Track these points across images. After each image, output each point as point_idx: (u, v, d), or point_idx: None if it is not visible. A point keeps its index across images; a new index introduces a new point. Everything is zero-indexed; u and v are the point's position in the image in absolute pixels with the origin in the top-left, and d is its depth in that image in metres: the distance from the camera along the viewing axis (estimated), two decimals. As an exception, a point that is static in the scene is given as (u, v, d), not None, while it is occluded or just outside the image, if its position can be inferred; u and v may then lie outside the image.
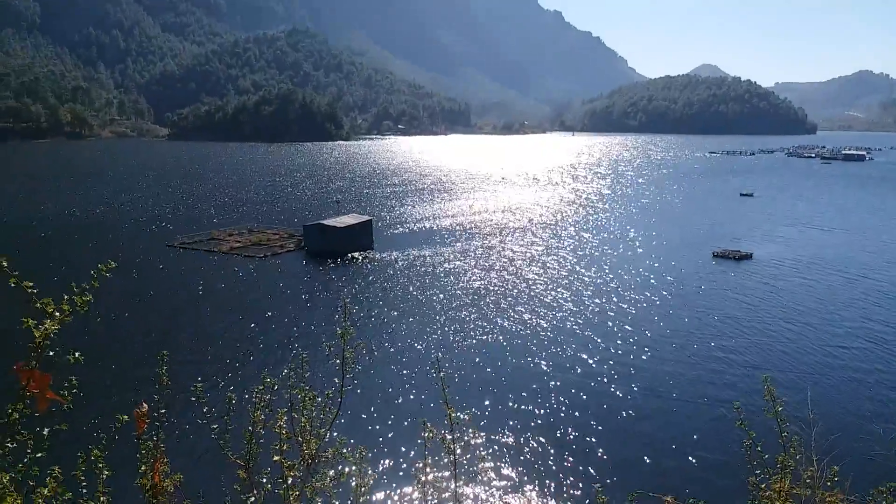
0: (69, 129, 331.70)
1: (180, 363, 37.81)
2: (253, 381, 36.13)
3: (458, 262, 69.11)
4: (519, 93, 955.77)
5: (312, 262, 68.93)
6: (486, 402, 34.11)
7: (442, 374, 5.53)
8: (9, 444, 3.87)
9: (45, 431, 3.98)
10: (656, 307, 52.57)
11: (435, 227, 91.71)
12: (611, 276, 63.45)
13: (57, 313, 3.73)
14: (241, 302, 53.49)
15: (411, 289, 58.15)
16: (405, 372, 38.69)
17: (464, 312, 51.15)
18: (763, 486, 5.04)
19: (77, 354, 3.85)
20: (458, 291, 57.33)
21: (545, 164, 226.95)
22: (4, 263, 3.75)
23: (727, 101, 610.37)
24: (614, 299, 54.83)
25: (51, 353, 3.75)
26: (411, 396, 35.36)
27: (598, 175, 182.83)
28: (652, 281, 61.23)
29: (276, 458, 4.86)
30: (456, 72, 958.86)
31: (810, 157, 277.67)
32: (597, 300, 54.61)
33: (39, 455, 3.99)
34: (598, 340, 44.52)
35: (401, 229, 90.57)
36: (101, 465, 4.51)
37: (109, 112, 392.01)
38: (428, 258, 71.21)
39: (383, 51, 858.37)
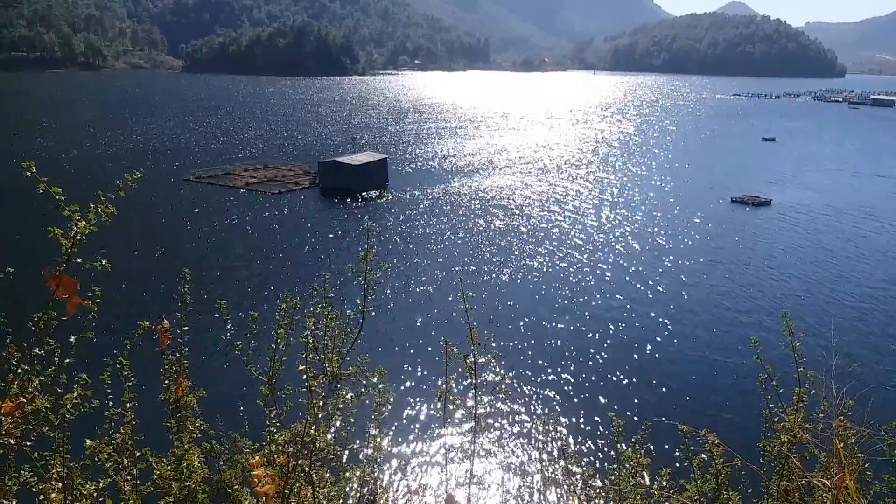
0: (83, 59, 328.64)
1: (200, 287, 38.55)
2: (272, 303, 37.04)
3: (475, 202, 68.91)
4: (540, 28, 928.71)
5: (326, 199, 69.07)
6: (508, 332, 34.66)
7: (465, 294, 5.70)
8: (37, 351, 3.99)
9: (73, 338, 4.06)
10: (674, 250, 52.44)
11: (452, 167, 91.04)
12: (629, 216, 63.14)
13: (83, 221, 3.82)
14: (256, 234, 54.14)
15: (427, 225, 58.43)
16: (423, 300, 39.52)
17: (482, 248, 51.61)
18: (776, 419, 5.14)
19: (104, 262, 3.92)
20: (475, 228, 57.53)
21: (565, 102, 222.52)
22: (34, 169, 3.92)
23: (754, 41, 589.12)
24: (632, 241, 54.76)
25: (79, 261, 3.83)
26: (432, 321, 36.38)
27: (619, 116, 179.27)
28: (670, 224, 60.90)
29: (301, 367, 4.86)
30: (476, 5, 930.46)
31: (838, 101, 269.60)
32: (615, 241, 54.60)
33: (68, 361, 4.10)
34: (616, 280, 44.82)
35: (417, 168, 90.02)
36: (126, 374, 4.61)
37: (123, 42, 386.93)
38: (444, 197, 71.04)
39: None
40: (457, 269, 46.44)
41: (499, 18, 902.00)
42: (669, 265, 48.67)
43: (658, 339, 35.49)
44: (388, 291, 40.70)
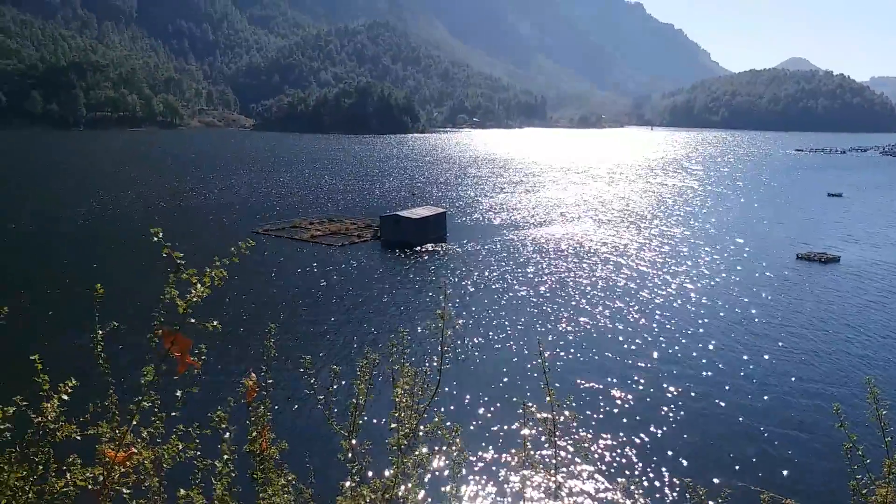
0: (161, 119, 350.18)
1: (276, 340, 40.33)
2: (339, 354, 38.32)
3: (535, 255, 69.53)
4: (597, 85, 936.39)
5: (387, 252, 70.92)
6: (579, 388, 34.68)
7: (543, 356, 5.75)
8: (145, 403, 4.25)
9: (179, 393, 4.29)
10: (739, 307, 51.54)
11: (510, 220, 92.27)
12: (693, 272, 62.43)
13: (199, 285, 4.04)
14: (321, 286, 56.04)
15: (488, 279, 59.14)
16: (489, 353, 39.86)
17: (544, 303, 51.79)
18: (864, 491, 4.86)
19: (216, 323, 4.16)
20: (537, 283, 57.90)
21: (624, 157, 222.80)
22: (160, 234, 4.13)
23: (817, 96, 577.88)
24: (696, 297, 54.07)
25: (192, 321, 4.07)
26: (504, 380, 36.36)
27: (680, 171, 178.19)
28: (734, 280, 59.94)
29: (392, 425, 5.00)
30: (533, 63, 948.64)
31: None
32: (679, 297, 53.99)
33: (174, 414, 4.40)
34: (682, 336, 44.19)
35: (476, 221, 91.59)
36: (224, 426, 4.82)
37: (198, 102, 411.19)
38: (503, 250, 71.91)
39: (461, 43, 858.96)
40: (519, 321, 46.89)
41: (555, 76, 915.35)
42: (737, 324, 47.77)
43: (731, 399, 34.68)
44: (458, 344, 41.38)
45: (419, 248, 71.21)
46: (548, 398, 5.11)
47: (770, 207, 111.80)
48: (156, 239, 4.14)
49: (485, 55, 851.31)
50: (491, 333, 44.48)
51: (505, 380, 36.55)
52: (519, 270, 62.83)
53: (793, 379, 37.67)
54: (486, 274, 61.38)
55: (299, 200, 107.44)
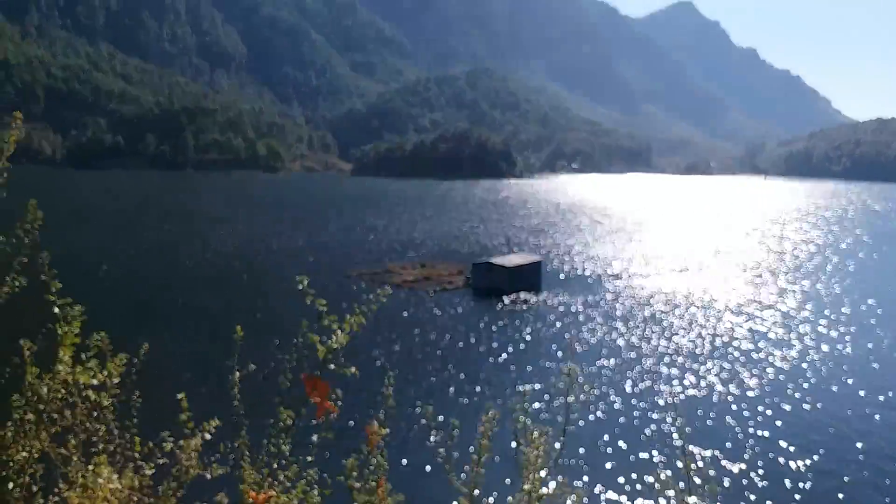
0: (264, 162, 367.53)
1: (369, 384, 37.22)
2: (453, 410, 34.85)
3: (637, 309, 63.59)
4: (706, 132, 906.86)
5: (479, 300, 67.34)
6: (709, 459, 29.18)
7: (678, 421, 5.70)
8: (283, 447, 4.42)
9: (314, 437, 4.43)
10: (872, 384, 43.64)
11: (609, 271, 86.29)
12: (814, 336, 54.50)
13: (339, 331, 4.22)
14: (415, 333, 53.63)
15: (585, 333, 54.35)
16: (604, 417, 34.93)
17: (648, 360, 46.53)
18: None
19: (353, 369, 4.26)
20: (641, 340, 52.40)
21: (735, 206, 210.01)
22: (305, 282, 4.36)
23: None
24: (811, 366, 46.53)
25: (331, 367, 4.20)
26: (621, 444, 32.84)
27: (801, 223, 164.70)
28: (861, 349, 51.64)
29: (525, 486, 4.88)
30: (638, 108, 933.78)
31: None
32: (790, 364, 46.80)
33: (310, 458, 4.51)
34: (811, 408, 37.67)
35: (572, 271, 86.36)
36: (354, 475, 4.84)
37: (300, 147, 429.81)
38: (601, 302, 66.51)
39: (561, 87, 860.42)
40: (626, 379, 41.61)
41: (661, 121, 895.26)
42: (870, 399, 40.16)
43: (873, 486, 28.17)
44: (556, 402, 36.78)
45: (512, 296, 67.09)
46: (684, 470, 4.78)
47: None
48: (301, 287, 4.35)
49: (587, 100, 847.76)
50: (599, 392, 39.69)
51: (622, 444, 32.65)
52: (620, 325, 57.25)
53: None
54: (582, 328, 56.28)
55: (392, 244, 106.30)
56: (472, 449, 5.19)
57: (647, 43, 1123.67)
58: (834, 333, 57.37)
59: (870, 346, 53.82)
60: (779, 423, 37.02)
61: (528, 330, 55.87)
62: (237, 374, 4.78)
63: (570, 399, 5.40)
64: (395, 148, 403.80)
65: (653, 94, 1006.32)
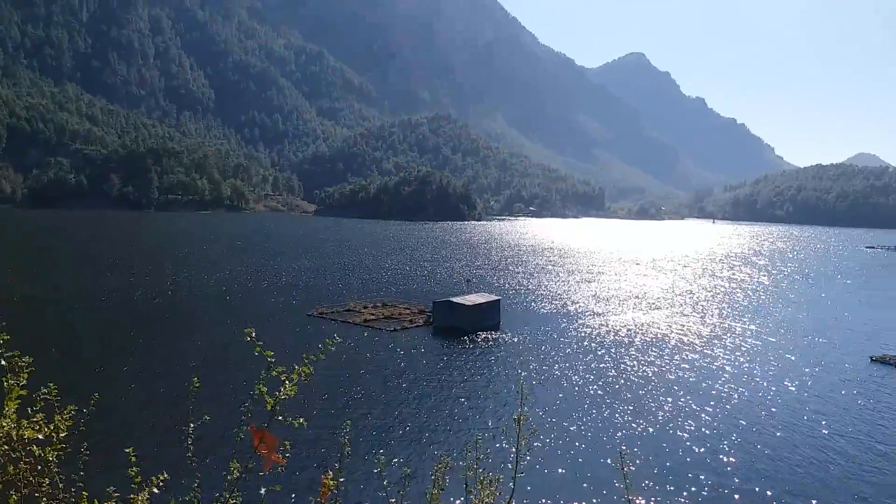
0: (228, 203, 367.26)
1: (327, 424, 39.29)
2: (406, 456, 36.76)
3: (593, 346, 67.17)
4: (657, 178, 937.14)
5: (439, 338, 69.84)
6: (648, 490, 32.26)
7: (625, 469, 5.64)
8: (232, 501, 4.35)
9: (262, 491, 4.39)
10: (805, 410, 47.81)
11: (566, 310, 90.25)
12: (760, 370, 58.77)
13: (288, 383, 4.15)
14: (375, 373, 55.20)
15: (543, 370, 57.17)
16: (559, 456, 37.57)
17: (606, 398, 49.45)
18: None
19: (301, 420, 4.27)
20: (597, 376, 55.58)
21: (685, 250, 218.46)
22: (253, 335, 4.34)
23: (888, 192, 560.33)
24: (761, 396, 50.56)
25: (279, 418, 4.12)
26: (574, 484, 34.21)
27: (747, 265, 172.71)
28: (803, 381, 55.96)
29: None
30: (593, 155, 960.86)
31: None
32: (741, 396, 50.65)
33: None
34: (751, 438, 41.06)
35: (530, 310, 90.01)
36: None
37: (265, 188, 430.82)
38: (559, 340, 69.90)
39: (520, 134, 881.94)
40: (581, 417, 44.59)
41: (614, 168, 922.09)
42: (806, 428, 44.16)
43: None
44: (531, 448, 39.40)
45: (472, 335, 69.96)
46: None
47: (842, 306, 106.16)
48: (248, 339, 4.30)
49: (545, 147, 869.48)
50: (555, 432, 42.18)
51: (577, 485, 34.33)
52: (577, 362, 60.58)
53: (867, 493, 33.96)
54: (540, 365, 59.38)
55: (355, 283, 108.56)
56: (426, 496, 5.24)
57: (602, 92, 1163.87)
58: (779, 367, 61.92)
59: (808, 382, 58.37)
60: (731, 457, 40.34)
61: (489, 368, 58.48)
62: (191, 426, 4.65)
63: (522, 444, 5.50)
64: (358, 189, 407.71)
65: (607, 142, 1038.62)
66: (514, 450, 5.22)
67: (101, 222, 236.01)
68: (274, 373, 4.06)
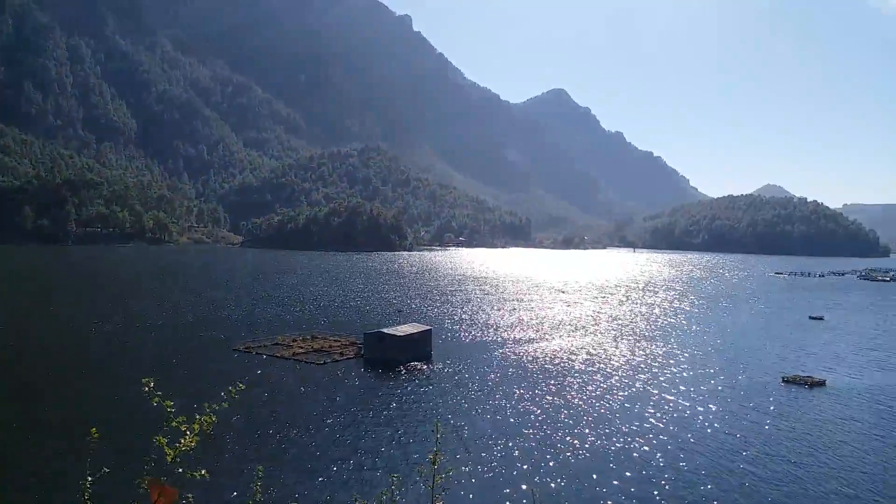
0: (151, 235, 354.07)
1: (247, 458, 38.52)
2: (328, 496, 36.24)
3: (520, 373, 68.60)
4: (580, 208, 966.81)
5: (370, 371, 69.64)
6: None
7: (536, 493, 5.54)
8: None
9: None
10: (724, 433, 50.47)
11: (496, 338, 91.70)
12: (680, 394, 61.49)
13: (189, 434, 3.98)
14: (302, 409, 54.44)
15: (473, 400, 57.84)
16: (483, 490, 38.02)
17: (532, 426, 50.48)
18: None
19: (204, 472, 4.10)
20: (523, 403, 56.70)
21: (608, 277, 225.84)
22: (151, 385, 4.19)
23: (793, 221, 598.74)
24: (684, 419, 52.98)
25: (180, 470, 3.97)
26: None
27: (665, 291, 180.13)
28: (721, 403, 59.04)
29: None
30: (519, 186, 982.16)
31: (884, 280, 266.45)
32: (667, 418, 52.89)
33: None
34: (667, 461, 42.87)
35: (461, 339, 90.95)
36: None
37: (188, 219, 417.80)
38: (489, 369, 70.94)
39: (449, 166, 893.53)
40: (507, 445, 45.42)
41: (540, 199, 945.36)
42: (725, 450, 46.62)
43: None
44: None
45: (403, 366, 70.08)
46: None
47: (754, 329, 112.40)
48: (146, 389, 4.14)
49: (473, 179, 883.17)
50: (480, 464, 42.74)
51: None
52: (505, 390, 61.68)
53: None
54: (472, 395, 60.13)
55: (283, 317, 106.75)
56: None
57: (527, 126, 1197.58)
58: (698, 389, 64.90)
59: (726, 404, 61.47)
60: (652, 481, 41.89)
61: (419, 401, 58.66)
62: (88, 479, 4.42)
63: (437, 483, 5.58)
64: (287, 220, 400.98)
65: (532, 174, 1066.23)
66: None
67: (10, 257, 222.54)
68: (174, 424, 3.86)
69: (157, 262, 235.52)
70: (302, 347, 79.19)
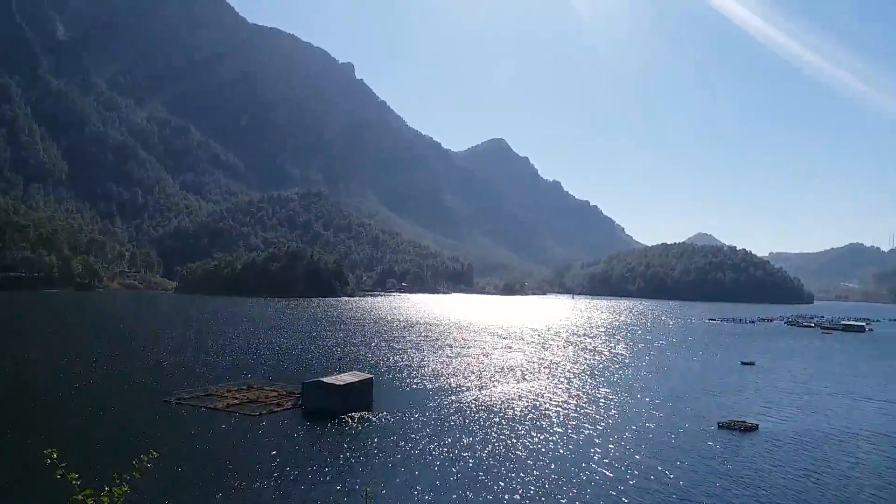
0: (79, 280, 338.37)
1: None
2: None
3: (463, 422, 67.76)
4: (520, 255, 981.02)
5: (309, 422, 67.54)
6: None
7: None
8: None
9: None
10: (664, 479, 50.82)
11: (439, 385, 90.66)
12: (618, 441, 61.81)
13: None
14: (235, 465, 51.96)
15: (414, 453, 56.58)
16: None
17: (475, 475, 49.66)
18: None
19: None
20: (467, 452, 55.85)
21: (548, 323, 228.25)
22: (55, 456, 3.82)
23: (724, 269, 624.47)
24: (622, 466, 53.12)
25: None
26: None
27: (601, 338, 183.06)
28: (658, 449, 59.62)
29: None
30: (461, 233, 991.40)
31: (809, 326, 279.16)
32: (604, 466, 52.92)
33: None
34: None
35: (403, 386, 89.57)
36: None
37: (120, 264, 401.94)
38: (432, 418, 69.83)
39: (391, 212, 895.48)
40: (451, 496, 44.35)
41: (481, 246, 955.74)
42: (665, 494, 46.86)
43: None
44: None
45: (344, 416, 68.24)
46: None
47: (690, 374, 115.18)
48: (49, 461, 3.78)
49: (415, 225, 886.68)
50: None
51: None
52: (447, 440, 60.71)
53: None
54: (413, 446, 58.85)
55: (217, 366, 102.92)
56: None
57: (468, 174, 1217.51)
58: (635, 436, 65.40)
59: (662, 450, 62.07)
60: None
61: (360, 452, 56.99)
62: None
63: None
64: (223, 265, 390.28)
65: (474, 221, 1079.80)
66: None
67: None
68: (80, 496, 3.55)
69: (84, 309, 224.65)
70: (237, 398, 76.22)
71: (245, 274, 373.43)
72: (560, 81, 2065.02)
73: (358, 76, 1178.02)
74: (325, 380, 74.06)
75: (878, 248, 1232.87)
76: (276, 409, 71.59)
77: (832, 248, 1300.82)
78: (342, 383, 72.78)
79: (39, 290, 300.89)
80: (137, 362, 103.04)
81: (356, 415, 69.41)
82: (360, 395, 73.68)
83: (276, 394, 79.66)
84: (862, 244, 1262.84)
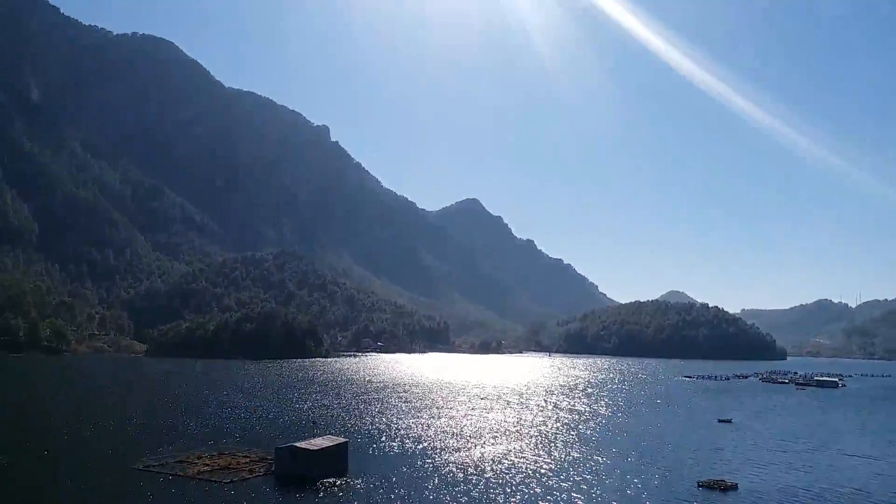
0: (46, 344, 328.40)
1: None
2: None
3: (442, 486, 66.30)
4: (496, 313, 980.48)
5: (281, 488, 65.69)
6: None
7: None
8: None
9: None
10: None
11: (415, 448, 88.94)
12: (598, 502, 60.95)
13: None
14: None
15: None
16: None
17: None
18: None
19: None
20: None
21: (525, 382, 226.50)
22: None
23: (697, 326, 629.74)
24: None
25: None
26: None
27: (578, 397, 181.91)
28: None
29: None
30: (437, 292, 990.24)
31: (784, 382, 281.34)
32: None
33: None
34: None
35: (379, 450, 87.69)
36: None
37: (90, 327, 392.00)
38: (409, 482, 68.32)
39: (367, 271, 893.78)
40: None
41: (457, 305, 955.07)
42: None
43: None
44: None
45: (318, 482, 66.42)
46: None
47: (668, 433, 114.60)
48: None
49: (390, 283, 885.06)
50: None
51: None
52: (424, 505, 59.22)
53: None
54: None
55: (188, 431, 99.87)
56: None
57: (442, 234, 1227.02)
58: (616, 495, 64.51)
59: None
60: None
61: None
62: None
63: None
64: (195, 328, 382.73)
65: (449, 279, 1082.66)
66: None
67: None
68: None
69: (51, 373, 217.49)
70: (208, 465, 73.91)
71: (218, 336, 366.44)
72: (533, 144, 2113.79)
73: (333, 138, 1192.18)
74: (298, 444, 72.31)
75: (847, 305, 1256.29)
76: (247, 476, 69.47)
77: (801, 305, 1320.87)
78: (316, 448, 71.11)
79: (5, 355, 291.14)
80: (104, 428, 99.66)
81: (330, 480, 67.66)
82: (334, 460, 71.97)
83: (247, 459, 77.41)
84: (830, 300, 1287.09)
